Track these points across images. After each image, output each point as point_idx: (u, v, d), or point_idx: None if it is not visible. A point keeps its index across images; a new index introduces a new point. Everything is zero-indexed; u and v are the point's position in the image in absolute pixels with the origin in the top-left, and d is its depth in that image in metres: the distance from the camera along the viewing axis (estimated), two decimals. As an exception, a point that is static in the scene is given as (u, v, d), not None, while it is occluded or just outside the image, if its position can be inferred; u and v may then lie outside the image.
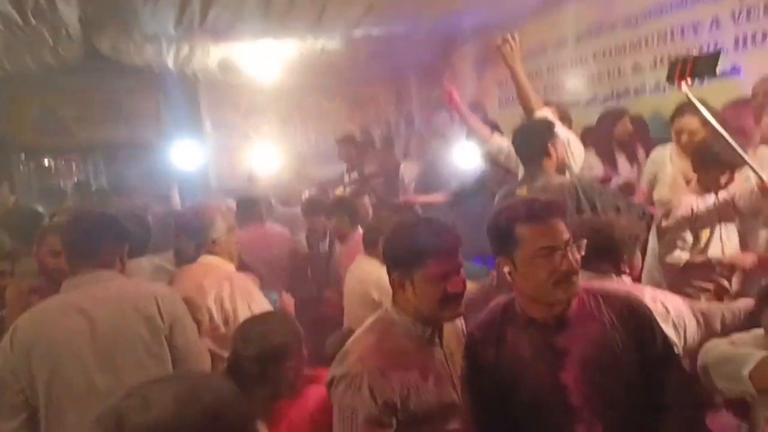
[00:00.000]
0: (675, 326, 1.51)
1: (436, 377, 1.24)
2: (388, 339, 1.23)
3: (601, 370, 1.20)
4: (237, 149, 5.44)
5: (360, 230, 2.83)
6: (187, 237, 1.89)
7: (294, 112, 5.87)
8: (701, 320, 1.55)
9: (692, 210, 2.24)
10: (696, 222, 2.26)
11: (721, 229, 2.29)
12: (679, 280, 2.29)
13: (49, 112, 5.10)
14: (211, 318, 1.82)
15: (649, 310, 1.32)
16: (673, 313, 1.53)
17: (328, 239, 3.27)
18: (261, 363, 1.30)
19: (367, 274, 2.23)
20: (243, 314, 1.76)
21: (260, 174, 5.28)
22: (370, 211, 3.31)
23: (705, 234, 2.27)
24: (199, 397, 0.73)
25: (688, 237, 2.28)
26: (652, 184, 2.72)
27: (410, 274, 1.22)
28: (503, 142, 2.55)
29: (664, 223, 2.32)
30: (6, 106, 4.85)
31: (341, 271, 2.82)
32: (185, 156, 5.43)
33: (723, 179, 2.21)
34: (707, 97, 2.97)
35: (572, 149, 2.35)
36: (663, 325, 1.43)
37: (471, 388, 1.30)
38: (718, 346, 1.42)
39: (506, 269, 1.24)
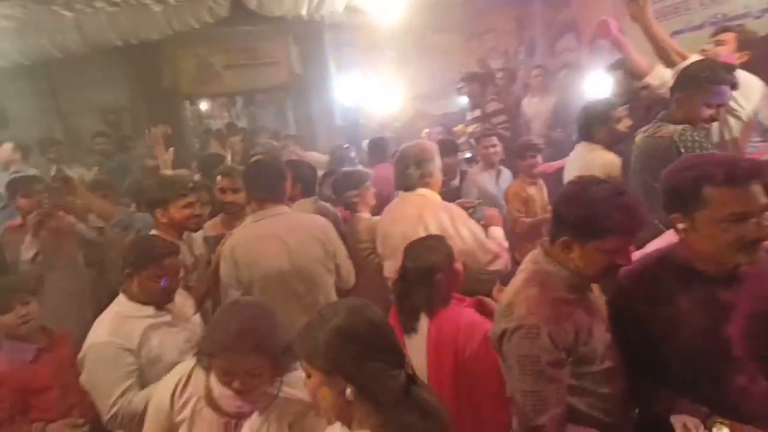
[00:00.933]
0: None
1: (595, 320, 1.28)
2: (549, 290, 1.25)
3: None
4: (358, 88, 5.74)
5: None
6: (415, 167, 2.18)
7: (412, 48, 5.93)
8: None
9: None
10: None
11: None
12: None
13: (204, 62, 5.87)
14: None
15: None
16: None
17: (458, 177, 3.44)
18: (419, 273, 1.64)
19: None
20: (466, 235, 2.05)
21: (380, 113, 5.58)
22: (499, 150, 3.34)
23: None
24: (364, 312, 1.06)
25: None
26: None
27: (583, 241, 1.22)
28: (666, 74, 2.36)
29: None
30: (173, 60, 5.70)
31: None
32: (317, 96, 5.90)
33: None
34: None
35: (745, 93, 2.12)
36: None
37: (618, 336, 1.32)
38: None
39: (680, 226, 1.23)
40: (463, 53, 6.14)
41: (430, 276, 1.63)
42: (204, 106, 7.41)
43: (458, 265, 1.73)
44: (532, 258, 1.36)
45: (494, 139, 3.37)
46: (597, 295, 1.38)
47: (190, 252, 2.36)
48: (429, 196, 2.19)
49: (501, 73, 5.09)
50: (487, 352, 1.48)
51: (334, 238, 2.18)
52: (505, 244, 2.18)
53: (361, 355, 1.00)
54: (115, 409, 1.60)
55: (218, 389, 1.25)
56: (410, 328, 1.66)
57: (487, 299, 1.83)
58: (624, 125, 2.52)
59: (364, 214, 2.56)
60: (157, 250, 1.73)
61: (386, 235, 2.23)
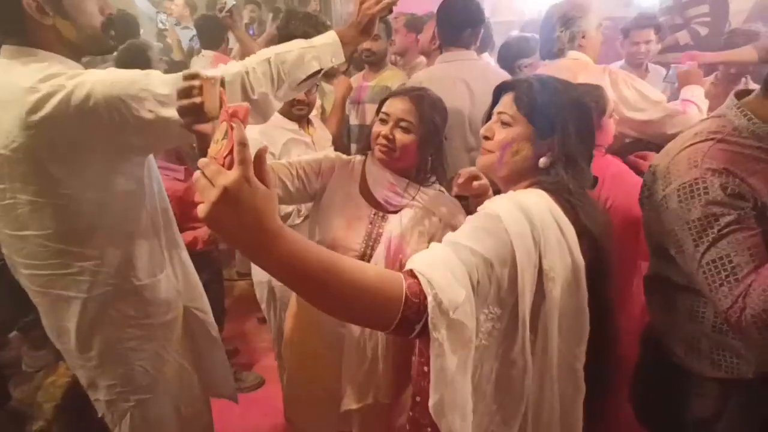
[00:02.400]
0: None
1: None
2: (729, 145, 1.01)
3: None
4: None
5: None
6: (563, 27, 1.93)
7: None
8: None
9: None
10: None
11: None
12: None
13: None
14: None
15: None
16: None
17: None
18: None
19: None
20: (630, 96, 1.83)
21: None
22: (652, 48, 2.73)
23: None
24: (572, 90, 1.02)
25: None
26: None
27: None
28: None
29: None
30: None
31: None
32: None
33: None
34: None
35: None
36: None
37: None
38: None
39: None
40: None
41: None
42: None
43: (608, 121, 1.53)
44: (716, 112, 1.10)
45: (649, 33, 2.64)
46: None
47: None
48: (584, 60, 1.91)
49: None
50: (630, 207, 1.33)
51: None
52: (703, 104, 1.86)
53: (585, 134, 0.98)
54: None
55: (372, 173, 1.35)
56: None
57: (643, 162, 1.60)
58: None
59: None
60: None
61: None
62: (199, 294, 1.46)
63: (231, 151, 0.59)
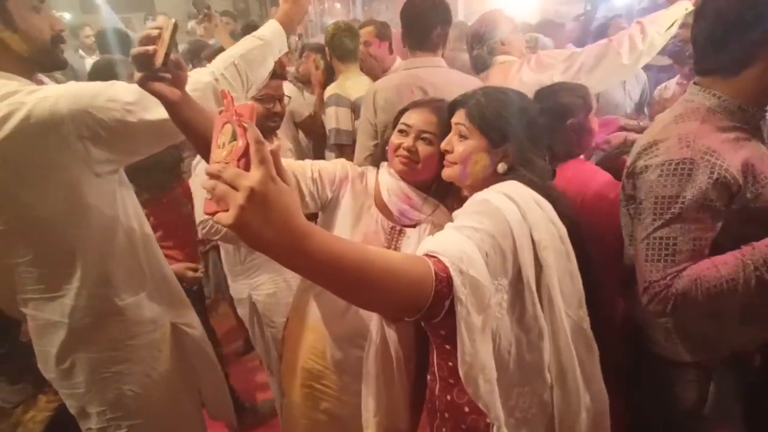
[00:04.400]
0: None
1: None
2: (712, 124, 1.05)
3: None
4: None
5: None
6: (479, 44, 2.03)
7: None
8: None
9: None
10: None
11: None
12: None
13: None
14: None
15: None
16: None
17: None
18: (549, 115, 1.35)
19: None
20: (557, 62, 1.90)
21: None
22: None
23: None
24: (519, 98, 1.10)
25: None
26: None
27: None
28: None
29: None
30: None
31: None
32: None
33: None
34: None
35: None
36: None
37: None
38: None
39: None
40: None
41: (560, 120, 1.44)
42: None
43: (593, 121, 1.51)
44: (683, 98, 1.14)
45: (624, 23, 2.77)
46: None
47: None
48: (511, 59, 1.99)
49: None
50: (613, 232, 1.30)
51: None
52: (658, 24, 1.88)
53: (535, 137, 1.07)
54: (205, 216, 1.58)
55: (388, 184, 1.28)
56: None
57: None
58: None
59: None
60: None
61: None
62: (187, 309, 1.43)
63: (244, 153, 0.56)
